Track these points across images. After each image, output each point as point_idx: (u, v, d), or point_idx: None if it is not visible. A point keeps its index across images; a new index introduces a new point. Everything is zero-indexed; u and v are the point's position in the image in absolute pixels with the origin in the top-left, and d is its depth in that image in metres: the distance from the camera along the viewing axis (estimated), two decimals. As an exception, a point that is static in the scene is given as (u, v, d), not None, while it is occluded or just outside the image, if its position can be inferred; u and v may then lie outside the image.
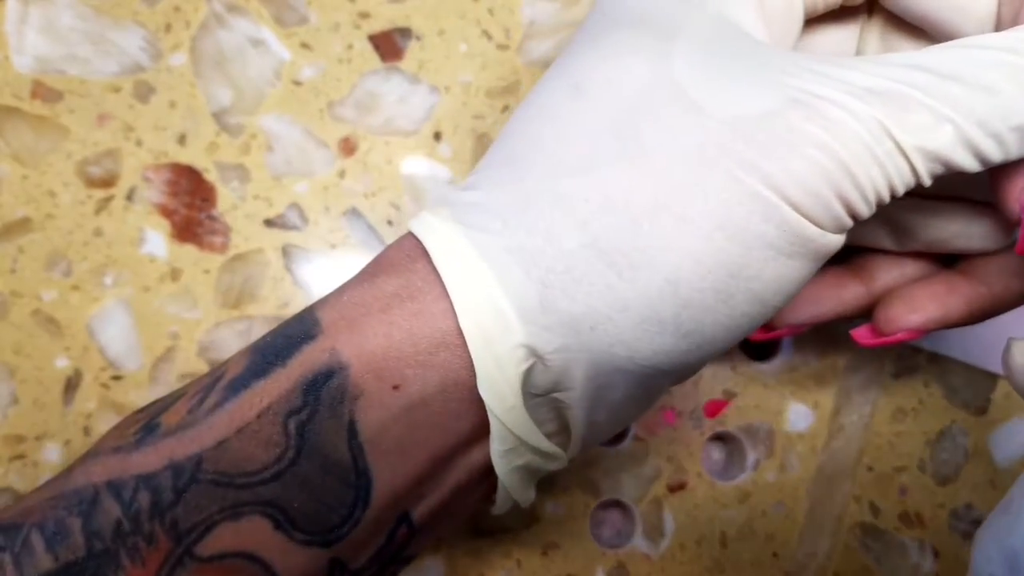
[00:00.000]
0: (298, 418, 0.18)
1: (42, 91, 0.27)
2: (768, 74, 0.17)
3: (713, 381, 0.29)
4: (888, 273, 0.24)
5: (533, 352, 0.17)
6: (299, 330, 0.18)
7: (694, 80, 0.17)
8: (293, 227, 0.28)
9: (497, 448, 0.18)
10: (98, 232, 0.27)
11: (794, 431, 0.30)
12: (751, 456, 0.29)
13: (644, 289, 0.17)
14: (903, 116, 0.16)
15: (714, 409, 0.29)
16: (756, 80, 0.17)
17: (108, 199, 0.28)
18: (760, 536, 0.29)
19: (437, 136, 0.29)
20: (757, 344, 0.30)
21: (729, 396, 0.29)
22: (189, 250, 0.28)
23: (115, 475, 0.18)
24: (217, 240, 0.28)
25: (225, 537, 0.17)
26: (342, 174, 0.28)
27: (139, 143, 0.28)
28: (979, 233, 0.22)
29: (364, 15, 0.29)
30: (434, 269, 0.18)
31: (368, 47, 0.29)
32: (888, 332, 0.22)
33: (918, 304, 0.22)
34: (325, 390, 0.18)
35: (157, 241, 0.28)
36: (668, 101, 0.17)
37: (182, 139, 0.28)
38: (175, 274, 0.28)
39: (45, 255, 0.27)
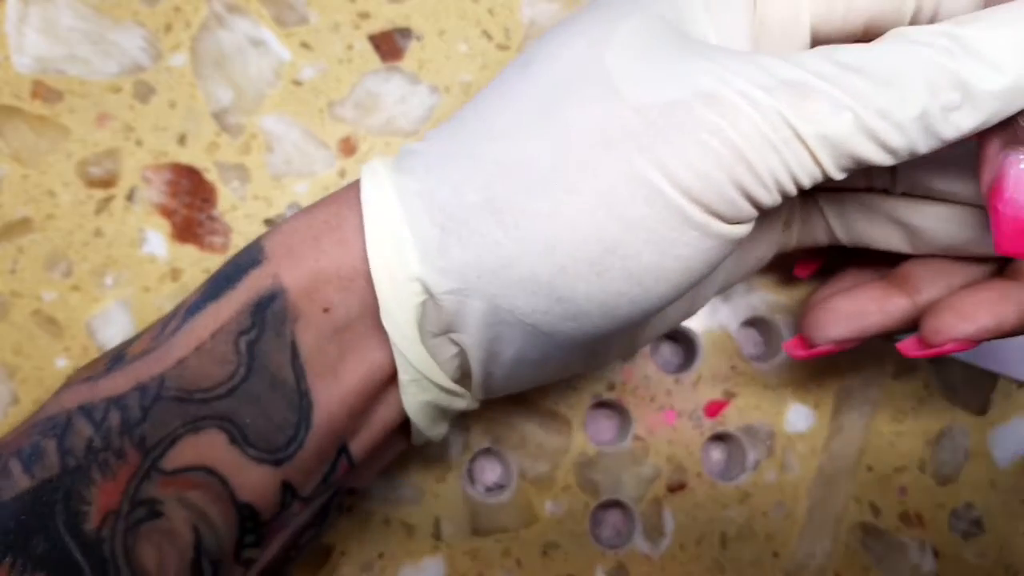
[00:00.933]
0: (247, 338, 0.19)
1: (42, 91, 0.27)
2: (689, 65, 0.17)
3: (713, 381, 0.29)
4: (934, 285, 0.23)
5: (427, 289, 0.19)
6: (247, 258, 0.20)
7: (620, 66, 0.18)
8: (293, 227, 0.28)
9: (402, 378, 0.20)
10: (98, 232, 0.27)
11: (794, 431, 0.30)
12: (751, 456, 0.29)
13: (525, 249, 0.18)
14: (801, 104, 0.16)
15: (714, 409, 0.29)
16: (675, 71, 0.17)
17: (108, 199, 0.28)
18: (760, 536, 0.29)
19: (437, 136, 0.29)
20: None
21: (729, 396, 0.29)
22: (189, 250, 0.28)
23: (86, 400, 0.19)
24: (217, 240, 0.28)
25: (186, 452, 0.19)
26: (342, 174, 0.28)
27: (139, 143, 0.28)
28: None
29: (364, 15, 0.29)
30: (360, 203, 0.19)
31: (368, 47, 0.29)
32: (936, 343, 0.22)
33: (968, 313, 0.21)
34: (269, 312, 0.19)
35: (157, 241, 0.28)
36: (593, 82, 0.18)
37: (182, 139, 0.28)
38: (175, 274, 0.28)
39: (45, 255, 0.27)
